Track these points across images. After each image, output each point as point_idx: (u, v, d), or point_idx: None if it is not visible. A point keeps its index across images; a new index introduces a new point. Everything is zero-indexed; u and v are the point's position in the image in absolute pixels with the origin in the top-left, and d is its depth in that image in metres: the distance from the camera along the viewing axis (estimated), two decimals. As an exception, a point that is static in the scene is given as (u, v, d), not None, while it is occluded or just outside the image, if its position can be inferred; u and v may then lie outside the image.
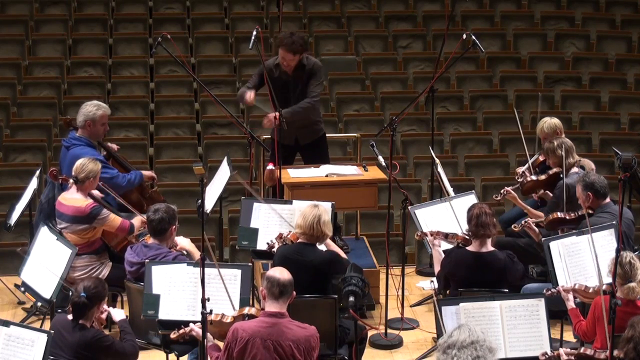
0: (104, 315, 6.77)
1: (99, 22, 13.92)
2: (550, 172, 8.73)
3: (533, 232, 8.11)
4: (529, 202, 9.10)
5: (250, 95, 9.19)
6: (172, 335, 6.72)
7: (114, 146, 9.19)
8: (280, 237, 7.76)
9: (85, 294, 6.56)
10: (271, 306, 6.36)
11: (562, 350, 6.35)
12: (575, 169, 8.65)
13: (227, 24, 14.18)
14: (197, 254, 7.65)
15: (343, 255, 7.61)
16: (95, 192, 8.39)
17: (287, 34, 9.21)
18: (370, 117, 12.40)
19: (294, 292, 6.45)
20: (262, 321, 6.33)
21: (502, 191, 8.86)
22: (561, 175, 8.58)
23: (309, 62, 9.28)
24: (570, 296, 7.03)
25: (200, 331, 6.54)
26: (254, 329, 6.29)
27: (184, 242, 7.81)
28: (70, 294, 7.00)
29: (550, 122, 9.23)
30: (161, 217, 7.55)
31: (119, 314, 6.98)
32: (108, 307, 6.89)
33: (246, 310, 6.63)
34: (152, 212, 7.60)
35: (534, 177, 8.87)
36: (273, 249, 7.76)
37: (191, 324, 6.64)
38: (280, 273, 6.43)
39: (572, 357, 6.34)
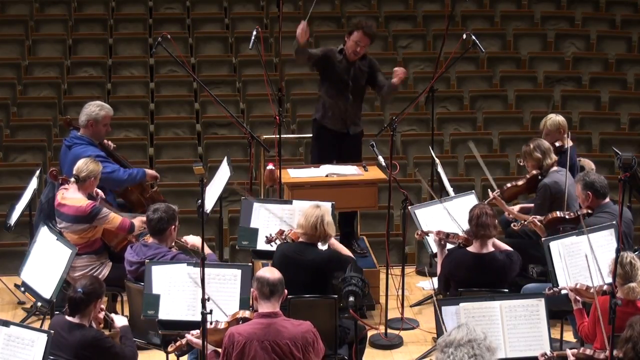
0: (101, 315, 6.77)
1: (99, 22, 13.91)
2: (528, 175, 8.68)
3: (539, 229, 8.11)
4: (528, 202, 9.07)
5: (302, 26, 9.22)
6: (170, 349, 6.72)
7: (110, 144, 9.16)
8: (281, 233, 7.73)
9: (82, 290, 6.58)
10: (264, 307, 6.35)
11: (569, 352, 6.35)
12: (555, 168, 8.61)
13: (227, 24, 14.18)
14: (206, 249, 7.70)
15: (348, 252, 7.59)
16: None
17: (363, 19, 9.51)
18: (370, 117, 12.37)
19: (286, 291, 6.44)
20: (257, 323, 6.32)
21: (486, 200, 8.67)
22: (539, 177, 8.57)
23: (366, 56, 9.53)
24: (578, 297, 7.02)
25: (196, 340, 6.54)
26: (250, 331, 6.27)
27: (194, 240, 7.81)
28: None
29: (554, 119, 9.15)
30: (160, 217, 7.56)
31: (121, 320, 6.99)
32: (110, 311, 6.89)
33: (240, 314, 6.61)
34: (151, 211, 7.62)
35: (512, 183, 8.81)
36: (272, 243, 7.74)
37: (187, 335, 6.62)
38: (270, 273, 6.42)
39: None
